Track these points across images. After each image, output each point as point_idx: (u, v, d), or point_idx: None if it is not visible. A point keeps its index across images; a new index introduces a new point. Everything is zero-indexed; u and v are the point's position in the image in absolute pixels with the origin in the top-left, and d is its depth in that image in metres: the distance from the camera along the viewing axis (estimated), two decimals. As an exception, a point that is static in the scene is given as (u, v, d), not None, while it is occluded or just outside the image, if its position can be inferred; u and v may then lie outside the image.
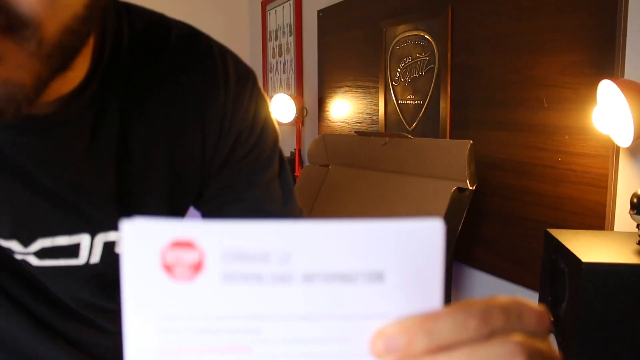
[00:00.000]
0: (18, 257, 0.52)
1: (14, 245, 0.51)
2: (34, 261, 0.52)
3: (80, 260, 0.54)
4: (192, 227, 0.26)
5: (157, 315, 0.26)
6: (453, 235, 1.35)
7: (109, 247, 0.55)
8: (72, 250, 0.54)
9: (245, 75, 0.61)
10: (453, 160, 1.36)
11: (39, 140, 0.48)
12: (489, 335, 0.28)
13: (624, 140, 1.03)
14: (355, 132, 1.95)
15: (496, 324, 0.28)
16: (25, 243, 0.51)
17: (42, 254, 0.52)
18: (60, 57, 0.39)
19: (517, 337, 0.28)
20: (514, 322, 0.29)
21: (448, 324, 0.27)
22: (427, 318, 0.27)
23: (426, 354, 0.27)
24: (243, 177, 0.61)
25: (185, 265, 0.26)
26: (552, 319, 0.92)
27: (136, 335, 0.26)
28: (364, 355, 0.27)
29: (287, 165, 0.66)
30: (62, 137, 0.49)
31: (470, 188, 1.34)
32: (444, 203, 1.35)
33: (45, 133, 0.48)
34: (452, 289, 1.55)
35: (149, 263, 0.26)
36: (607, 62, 1.13)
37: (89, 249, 0.54)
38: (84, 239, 0.53)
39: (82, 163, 0.51)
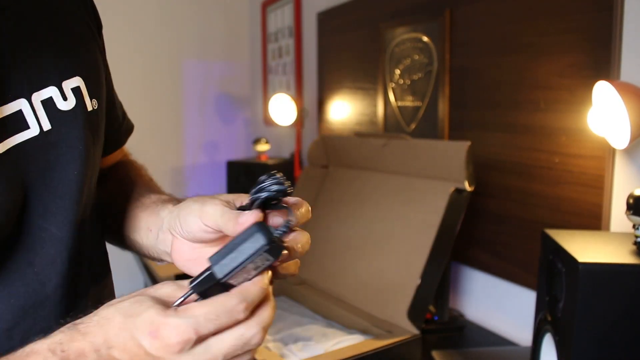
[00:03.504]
0: None
1: None
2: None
3: (33, 130, 0.51)
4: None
5: None
6: (451, 236, 1.36)
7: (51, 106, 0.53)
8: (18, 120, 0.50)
9: None
10: (451, 162, 1.37)
11: None
12: None
13: (619, 142, 1.03)
14: (354, 133, 1.96)
15: None
16: None
17: None
18: None
19: None
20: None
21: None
22: None
23: None
24: None
25: None
26: (549, 319, 0.93)
27: None
28: None
29: None
30: None
31: (469, 189, 1.35)
32: (442, 204, 1.36)
33: None
34: (450, 288, 1.56)
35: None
36: (604, 64, 1.14)
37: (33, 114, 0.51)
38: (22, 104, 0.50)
39: None
